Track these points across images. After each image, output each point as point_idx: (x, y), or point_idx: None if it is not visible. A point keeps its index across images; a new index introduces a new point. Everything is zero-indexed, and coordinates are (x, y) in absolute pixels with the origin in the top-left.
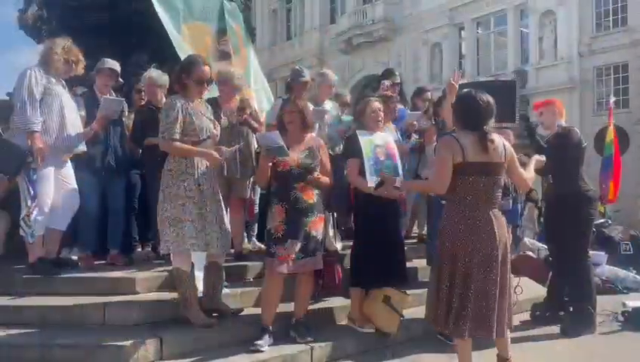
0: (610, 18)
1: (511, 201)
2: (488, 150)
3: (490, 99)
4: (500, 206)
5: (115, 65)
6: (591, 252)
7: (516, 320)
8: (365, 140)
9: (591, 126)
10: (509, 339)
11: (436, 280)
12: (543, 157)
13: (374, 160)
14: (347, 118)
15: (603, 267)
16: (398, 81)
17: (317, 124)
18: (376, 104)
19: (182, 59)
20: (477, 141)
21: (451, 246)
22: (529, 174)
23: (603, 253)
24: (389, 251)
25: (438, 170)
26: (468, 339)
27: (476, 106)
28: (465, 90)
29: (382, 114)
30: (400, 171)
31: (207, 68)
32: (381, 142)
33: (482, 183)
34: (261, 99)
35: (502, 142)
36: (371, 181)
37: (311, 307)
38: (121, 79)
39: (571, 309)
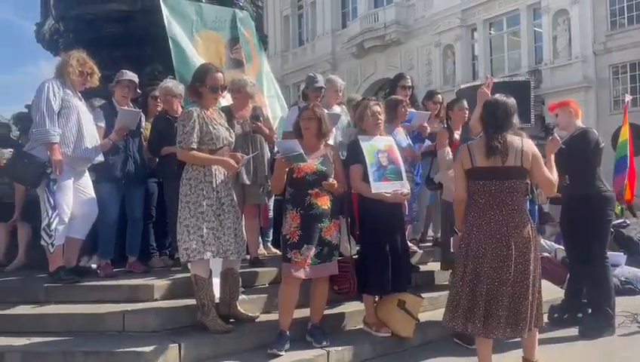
0: (625, 15)
1: (528, 202)
2: (494, 154)
3: (509, 104)
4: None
5: (133, 76)
6: (610, 252)
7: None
8: (367, 145)
9: (608, 125)
10: (536, 341)
11: (453, 280)
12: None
13: (377, 165)
14: None
15: (622, 267)
16: (409, 84)
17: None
18: (376, 107)
19: (184, 73)
20: (483, 145)
21: (466, 248)
22: (554, 175)
23: (622, 254)
24: (394, 256)
25: (455, 180)
26: (487, 340)
27: (492, 111)
28: (496, 95)
29: (381, 117)
30: (404, 176)
31: (220, 75)
32: (383, 146)
33: (494, 186)
34: (274, 106)
35: (520, 145)
36: (374, 187)
37: (327, 312)
38: (139, 90)
39: (590, 311)
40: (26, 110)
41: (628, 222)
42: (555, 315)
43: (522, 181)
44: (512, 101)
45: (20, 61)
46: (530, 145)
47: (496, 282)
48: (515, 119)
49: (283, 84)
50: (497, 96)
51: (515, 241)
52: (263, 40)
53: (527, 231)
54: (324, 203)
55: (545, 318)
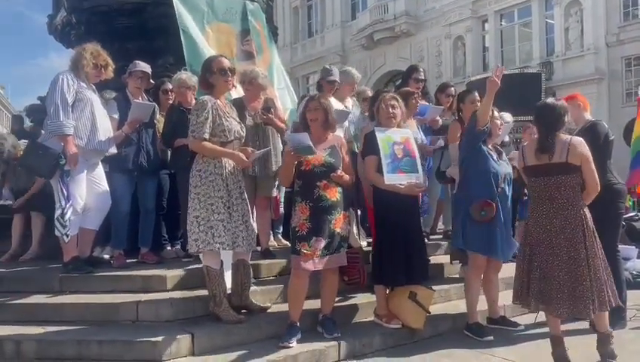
0: (639, 7)
1: None
2: (544, 153)
3: (559, 105)
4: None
5: (146, 67)
6: (621, 246)
7: (543, 315)
8: (382, 137)
9: (620, 117)
10: (606, 319)
11: (517, 264)
12: None
13: (392, 157)
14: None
15: (634, 261)
16: (422, 77)
17: (345, 124)
18: (391, 101)
19: (195, 65)
20: (534, 146)
21: (524, 236)
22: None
23: (634, 247)
24: (410, 248)
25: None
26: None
27: (542, 113)
28: (548, 98)
29: (394, 110)
30: (420, 168)
31: (225, 59)
32: (400, 138)
33: (543, 182)
34: (285, 98)
35: (568, 142)
36: (387, 178)
37: (337, 303)
38: (152, 81)
39: None
40: (38, 102)
41: (639, 215)
42: None
43: (569, 176)
44: (561, 103)
45: (30, 53)
46: (578, 143)
47: (549, 266)
48: (567, 118)
49: (292, 76)
50: (548, 99)
51: (564, 232)
52: (273, 32)
53: (578, 222)
54: (334, 195)
55: None
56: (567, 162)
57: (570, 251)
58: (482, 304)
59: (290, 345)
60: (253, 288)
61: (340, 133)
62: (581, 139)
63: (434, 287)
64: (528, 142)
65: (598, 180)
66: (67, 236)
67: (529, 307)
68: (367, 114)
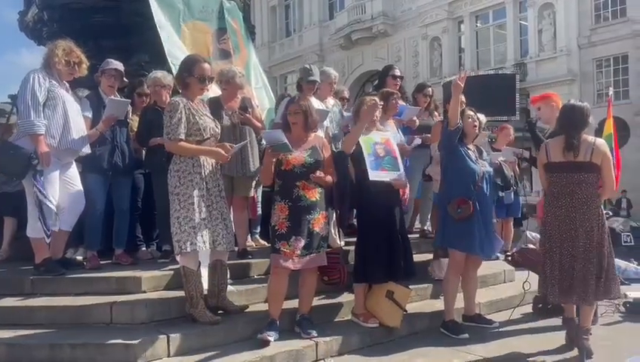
0: (610, 9)
1: (512, 195)
2: (570, 150)
3: (584, 107)
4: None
5: (119, 65)
6: None
7: (518, 312)
8: (364, 138)
9: (592, 118)
10: (592, 313)
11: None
12: None
13: (374, 155)
14: (348, 114)
15: None
16: (399, 74)
17: (325, 123)
18: (370, 103)
19: (174, 58)
20: (560, 144)
21: (544, 230)
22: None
23: None
24: (394, 245)
25: (539, 173)
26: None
27: (567, 115)
28: (570, 101)
29: (377, 113)
30: (400, 166)
31: (207, 66)
32: (380, 139)
33: (565, 179)
34: (262, 97)
35: (593, 143)
36: (372, 175)
37: (315, 303)
38: (125, 79)
39: None
40: (8, 100)
41: (610, 214)
42: (540, 305)
43: (591, 174)
44: (585, 104)
45: (1, 50)
46: (601, 144)
47: (568, 257)
48: (591, 120)
49: (270, 75)
50: (573, 101)
51: (582, 225)
52: (250, 31)
53: (594, 217)
54: (313, 195)
55: (529, 308)
56: (590, 161)
57: (586, 244)
58: (458, 302)
59: (270, 337)
60: (229, 288)
61: (320, 133)
62: (603, 141)
63: (410, 286)
64: (553, 140)
65: (615, 180)
66: (48, 237)
67: (554, 298)
68: (347, 112)
